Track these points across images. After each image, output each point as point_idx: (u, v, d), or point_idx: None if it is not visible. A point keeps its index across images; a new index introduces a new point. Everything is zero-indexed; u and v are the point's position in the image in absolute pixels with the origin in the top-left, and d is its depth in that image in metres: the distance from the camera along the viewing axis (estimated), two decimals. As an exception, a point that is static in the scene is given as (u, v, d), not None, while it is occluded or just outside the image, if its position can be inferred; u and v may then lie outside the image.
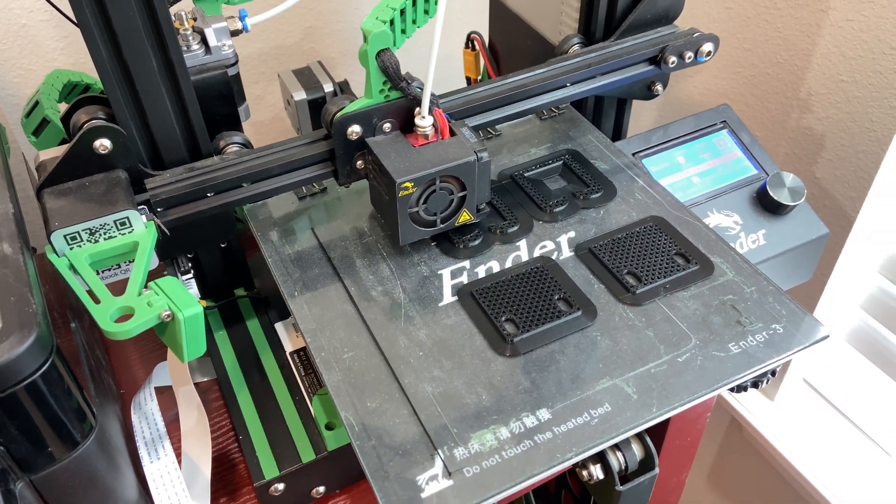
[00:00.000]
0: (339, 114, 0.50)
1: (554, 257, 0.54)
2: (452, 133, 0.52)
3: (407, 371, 0.46)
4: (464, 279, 0.52)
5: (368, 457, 0.42)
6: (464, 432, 0.43)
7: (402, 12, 0.48)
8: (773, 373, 0.49)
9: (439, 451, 0.42)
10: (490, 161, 0.51)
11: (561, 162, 0.62)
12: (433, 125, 0.51)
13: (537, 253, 0.54)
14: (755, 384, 0.50)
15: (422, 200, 0.51)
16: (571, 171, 0.61)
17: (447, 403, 0.44)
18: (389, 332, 0.49)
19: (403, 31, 0.49)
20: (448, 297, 0.51)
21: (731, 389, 0.48)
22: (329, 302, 0.51)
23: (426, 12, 0.50)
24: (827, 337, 0.47)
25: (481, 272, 0.53)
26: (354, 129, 0.51)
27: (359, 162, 0.53)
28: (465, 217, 0.53)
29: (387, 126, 0.52)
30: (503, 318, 0.49)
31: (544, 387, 0.45)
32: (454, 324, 0.49)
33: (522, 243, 0.55)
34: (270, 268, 0.54)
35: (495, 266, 0.53)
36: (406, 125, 0.52)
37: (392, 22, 0.48)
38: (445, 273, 0.53)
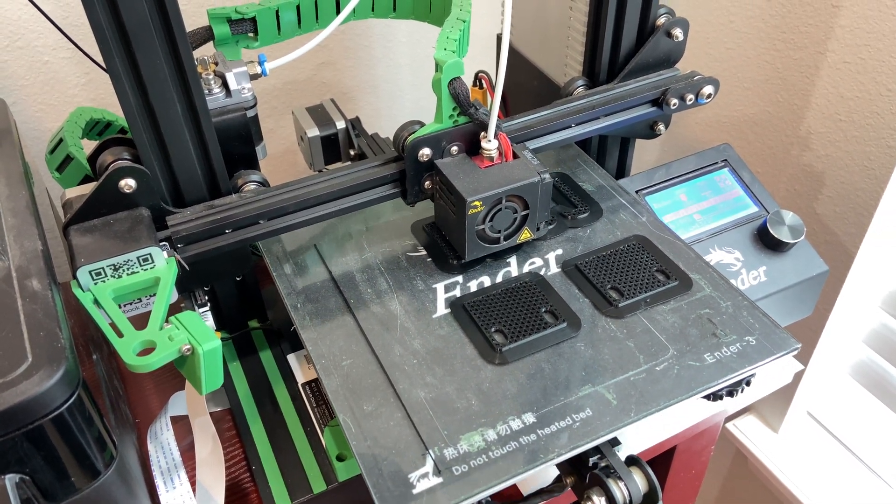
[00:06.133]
0: (410, 137, 0.54)
1: (542, 273, 0.57)
2: (515, 156, 0.55)
3: (401, 378, 0.49)
4: (457, 293, 0.55)
5: (364, 456, 0.44)
6: (453, 434, 0.46)
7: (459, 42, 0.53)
8: (748, 382, 0.52)
9: (430, 451, 0.45)
10: (552, 182, 0.54)
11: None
12: (498, 148, 0.54)
13: (527, 269, 0.57)
14: (730, 393, 0.52)
15: (488, 218, 0.54)
16: (560, 193, 0.65)
17: (439, 408, 0.47)
18: (385, 341, 0.52)
19: (460, 59, 0.53)
20: (441, 310, 0.54)
21: (707, 398, 0.51)
22: (329, 313, 0.54)
23: (466, 43, 0.55)
24: (797, 349, 0.50)
25: (473, 286, 0.56)
26: (425, 152, 0.54)
27: (426, 182, 0.56)
28: (525, 235, 0.56)
29: (454, 149, 0.55)
30: (493, 329, 0.52)
31: (530, 393, 0.48)
32: (447, 334, 0.52)
33: (513, 260, 0.58)
34: (274, 279, 0.57)
35: (486, 281, 0.56)
36: (472, 148, 0.56)
37: (454, 52, 0.52)
38: (439, 287, 0.56)
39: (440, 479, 0.43)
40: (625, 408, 0.47)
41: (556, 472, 0.54)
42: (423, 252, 0.59)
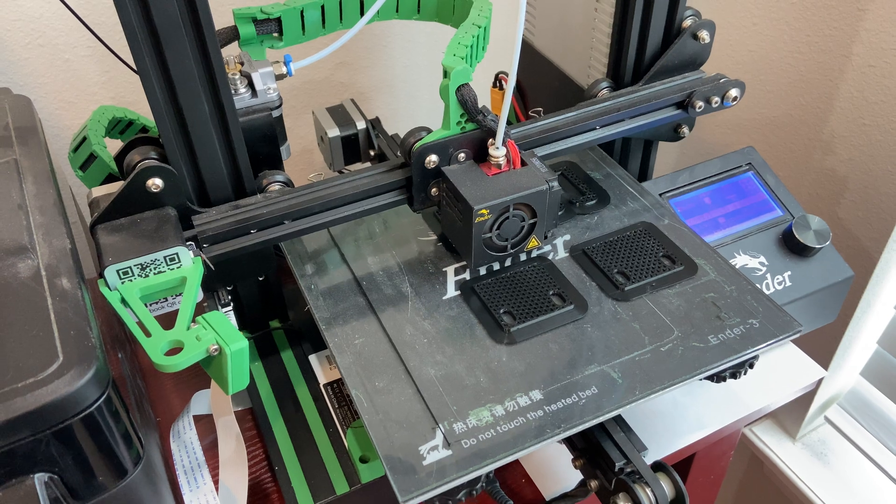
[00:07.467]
0: (417, 144, 0.53)
1: (550, 257, 0.58)
2: (523, 163, 0.55)
3: (412, 356, 0.50)
4: (466, 275, 0.56)
5: (376, 429, 0.46)
6: (463, 409, 0.47)
7: (471, 49, 0.52)
8: (752, 364, 0.52)
9: (440, 425, 0.46)
10: (560, 190, 0.54)
11: (559, 173, 0.66)
12: (506, 155, 0.54)
13: (535, 253, 0.58)
14: (733, 374, 0.52)
15: (495, 227, 0.53)
16: (568, 181, 0.65)
17: (448, 384, 0.48)
18: (397, 321, 0.53)
19: (469, 66, 0.52)
20: (451, 292, 0.55)
21: (711, 379, 0.52)
22: (342, 294, 0.55)
23: (483, 48, 0.55)
24: (800, 332, 0.50)
25: (482, 269, 0.56)
26: (432, 159, 0.54)
27: (433, 189, 0.56)
28: (533, 243, 0.56)
29: (461, 156, 0.55)
30: (501, 311, 0.53)
31: (537, 371, 0.49)
32: (456, 315, 0.53)
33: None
34: (288, 262, 0.58)
35: (495, 264, 0.57)
36: (479, 155, 0.55)
37: (464, 58, 0.51)
38: (450, 270, 0.57)
39: (449, 452, 0.44)
40: (630, 386, 0.48)
41: (580, 477, 0.54)
42: (434, 237, 0.60)
